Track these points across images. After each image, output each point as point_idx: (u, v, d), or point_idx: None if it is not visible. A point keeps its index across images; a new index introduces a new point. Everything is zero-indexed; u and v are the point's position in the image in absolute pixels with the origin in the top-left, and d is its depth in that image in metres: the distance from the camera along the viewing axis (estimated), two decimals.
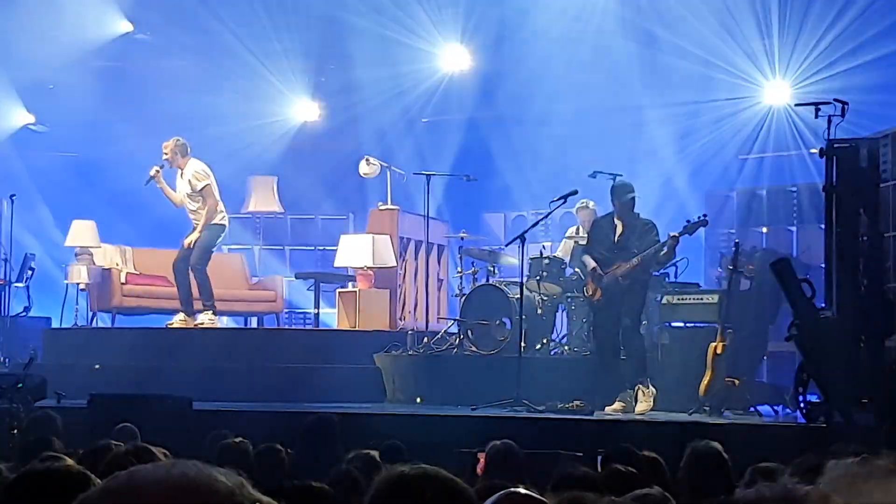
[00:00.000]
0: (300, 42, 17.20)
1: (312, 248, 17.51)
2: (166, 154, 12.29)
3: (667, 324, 11.13)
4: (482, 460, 6.10)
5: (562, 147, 15.47)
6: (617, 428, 9.29)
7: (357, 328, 12.56)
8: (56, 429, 7.00)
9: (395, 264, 12.94)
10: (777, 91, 15.24)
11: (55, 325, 14.04)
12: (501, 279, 12.23)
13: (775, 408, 10.34)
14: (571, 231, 12.77)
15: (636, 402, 10.04)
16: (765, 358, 11.50)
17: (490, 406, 9.94)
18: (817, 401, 8.69)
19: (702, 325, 10.87)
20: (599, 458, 6.26)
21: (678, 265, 11.24)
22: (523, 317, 10.72)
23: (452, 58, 17.14)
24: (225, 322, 14.95)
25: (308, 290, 14.16)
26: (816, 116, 9.06)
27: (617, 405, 10.09)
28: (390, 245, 12.86)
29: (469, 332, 11.60)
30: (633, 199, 10.27)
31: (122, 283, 13.43)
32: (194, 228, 12.40)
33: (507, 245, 12.43)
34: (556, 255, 12.32)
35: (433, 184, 12.69)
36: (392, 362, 11.66)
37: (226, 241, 16.79)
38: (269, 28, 17.07)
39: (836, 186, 8.93)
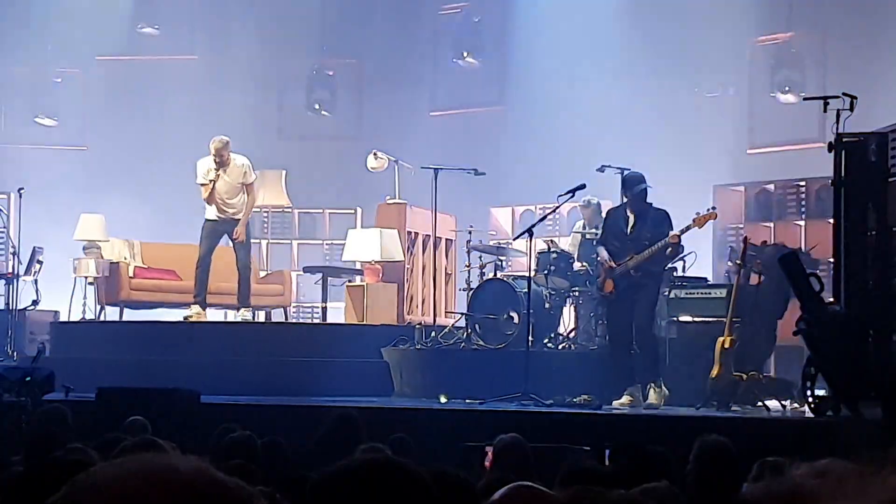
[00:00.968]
0: (308, 35, 17.20)
1: (320, 242, 17.51)
2: (222, 152, 12.34)
3: (674, 318, 11.11)
4: (490, 454, 6.11)
5: (570, 141, 15.44)
6: (624, 422, 9.29)
7: (365, 322, 12.56)
8: (65, 422, 7.02)
9: (402, 258, 12.94)
10: (786, 84, 15.19)
11: (63, 318, 14.06)
12: (509, 273, 12.22)
13: (783, 402, 10.32)
14: (579, 225, 12.76)
15: (646, 398, 10.04)
16: (773, 353, 11.48)
17: (498, 400, 9.94)
18: (825, 395, 8.68)
19: (710, 319, 10.85)
20: (607, 452, 6.26)
21: (686, 260, 11.23)
22: (531, 311, 10.72)
23: (460, 51, 17.12)
24: (232, 316, 14.97)
25: (316, 284, 14.16)
26: (825, 110, 9.04)
27: (625, 399, 10.09)
28: (398, 239, 12.86)
29: (477, 327, 11.60)
30: (645, 189, 10.25)
31: (131, 277, 13.44)
32: (232, 220, 12.49)
33: (514, 239, 12.43)
34: (564, 249, 12.31)
35: (441, 178, 12.68)
36: (400, 356, 11.66)
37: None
38: (277, 21, 17.07)
39: (845, 181, 8.91)
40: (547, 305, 11.55)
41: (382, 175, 13.69)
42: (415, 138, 16.14)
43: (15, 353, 13.26)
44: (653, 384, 10.06)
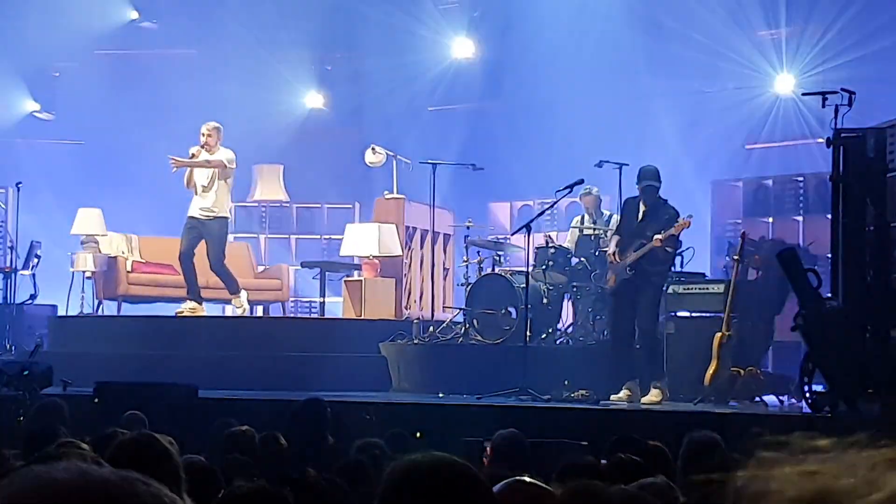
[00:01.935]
0: (307, 30, 17.19)
1: (318, 236, 17.51)
2: (208, 136, 12.22)
3: (672, 313, 11.11)
4: (489, 449, 6.11)
5: (568, 136, 15.45)
6: (622, 417, 9.29)
7: (363, 317, 12.56)
8: (63, 417, 7.01)
9: (400, 253, 12.94)
10: (784, 80, 15.22)
11: (61, 312, 14.06)
12: (507, 268, 12.22)
13: (781, 398, 10.33)
14: (577, 220, 12.75)
15: (646, 394, 10.03)
16: (770, 348, 11.49)
17: (495, 395, 9.94)
18: (823, 391, 8.68)
19: (707, 314, 10.85)
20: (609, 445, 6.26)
21: (684, 255, 11.23)
22: (529, 306, 10.72)
23: (459, 46, 17.13)
24: (230, 311, 14.97)
25: (314, 278, 14.16)
26: (823, 106, 9.03)
27: (623, 394, 10.09)
28: (396, 234, 12.85)
29: (475, 322, 11.60)
30: (652, 186, 10.19)
31: (128, 272, 13.44)
32: (207, 222, 12.28)
33: (512, 234, 12.43)
34: (562, 244, 12.31)
35: (439, 173, 12.67)
36: (398, 351, 11.66)
37: (231, 230, 16.83)
38: (276, 16, 17.06)
39: (843, 176, 8.91)
40: (545, 301, 11.54)
41: (380, 170, 13.69)
42: (413, 133, 16.14)
43: (13, 348, 13.27)
44: (655, 382, 10.04)
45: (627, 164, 11.15)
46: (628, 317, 10.26)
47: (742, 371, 10.12)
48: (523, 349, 10.41)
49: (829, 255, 9.30)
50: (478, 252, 12.45)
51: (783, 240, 12.38)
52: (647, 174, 10.27)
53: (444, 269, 13.85)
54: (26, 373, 9.16)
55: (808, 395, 8.70)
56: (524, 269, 10.99)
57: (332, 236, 16.58)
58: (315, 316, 14.95)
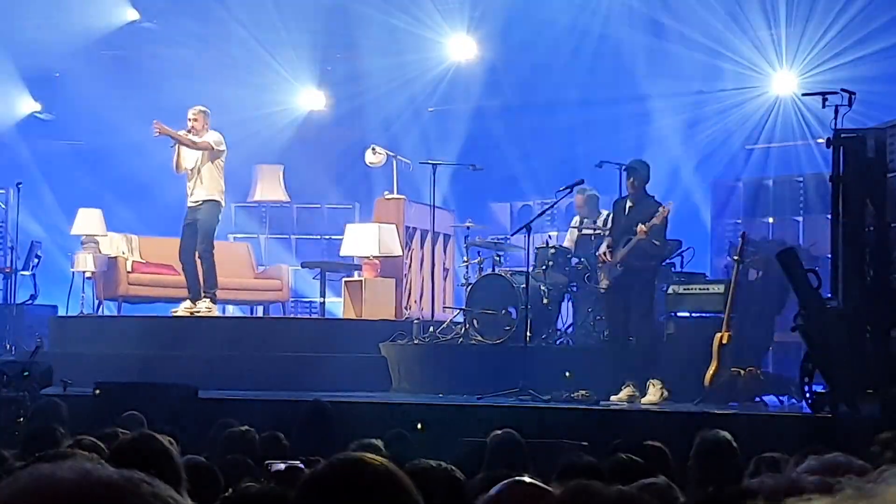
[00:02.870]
0: (306, 31, 17.18)
1: (318, 237, 17.50)
2: (195, 119, 12.19)
3: (672, 314, 11.12)
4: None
5: (568, 137, 15.46)
6: (622, 418, 9.29)
7: (363, 317, 12.56)
8: (61, 416, 7.01)
9: (400, 253, 12.93)
10: (784, 81, 15.22)
11: (61, 313, 14.06)
12: (507, 269, 12.22)
13: (781, 398, 10.33)
14: (576, 220, 12.75)
15: (645, 394, 10.03)
16: (770, 348, 11.49)
17: (495, 395, 9.94)
18: (823, 391, 8.69)
19: (708, 315, 10.85)
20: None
21: (684, 255, 11.24)
22: (529, 306, 10.72)
23: (459, 47, 17.13)
24: (231, 311, 14.97)
25: (314, 279, 14.17)
26: (823, 106, 9.03)
27: (623, 394, 10.09)
28: (396, 234, 12.85)
29: (475, 322, 11.60)
30: (640, 178, 10.19)
31: (129, 272, 13.43)
32: (194, 209, 12.18)
33: (512, 235, 12.43)
34: (561, 244, 12.32)
35: (439, 173, 12.68)
36: (398, 351, 11.66)
37: (231, 230, 16.84)
38: (276, 16, 17.05)
39: (843, 176, 8.91)
40: (545, 301, 11.54)
41: (381, 170, 13.69)
42: (413, 133, 16.14)
43: (13, 348, 13.27)
44: (652, 382, 10.04)
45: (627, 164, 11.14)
46: (622, 316, 10.27)
47: (742, 371, 10.12)
48: (523, 349, 10.42)
49: (829, 256, 9.30)
50: (478, 252, 12.45)
51: (783, 240, 12.39)
52: (639, 167, 10.29)
53: (445, 269, 13.85)
54: (27, 373, 9.16)
55: (808, 395, 8.70)
56: (524, 269, 10.99)
57: (333, 236, 16.58)
58: (315, 316, 14.95)
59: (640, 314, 10.19)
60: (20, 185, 14.52)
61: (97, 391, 8.78)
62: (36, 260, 14.28)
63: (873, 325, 8.67)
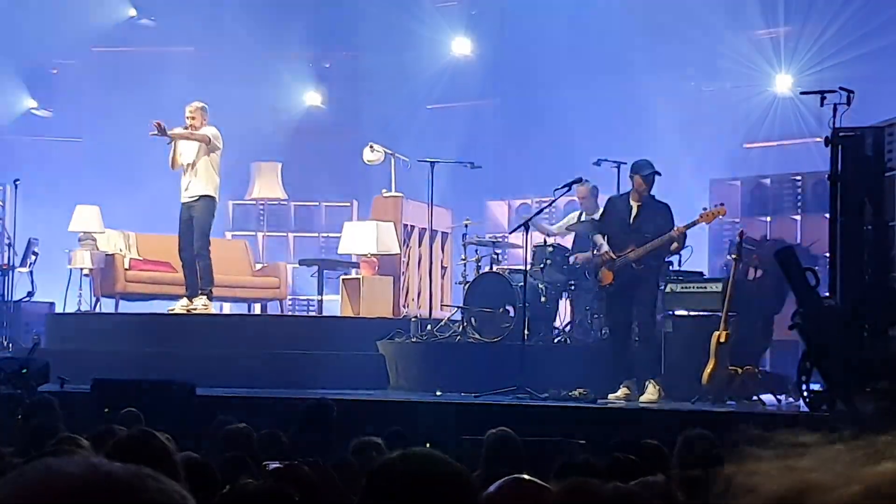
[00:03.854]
0: (305, 28, 17.18)
1: (316, 234, 17.50)
2: (192, 117, 12.16)
3: (670, 312, 11.11)
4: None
5: (566, 134, 15.44)
6: (620, 416, 9.29)
7: (360, 315, 12.56)
8: (55, 413, 7.00)
9: (398, 251, 12.93)
10: (783, 79, 15.22)
11: (59, 310, 14.06)
12: (505, 267, 12.22)
13: (778, 397, 10.33)
14: (573, 216, 12.73)
15: (643, 392, 10.03)
16: (768, 347, 11.48)
17: (493, 394, 9.94)
18: (820, 390, 8.69)
19: (706, 313, 10.85)
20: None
21: (682, 254, 11.23)
22: (527, 304, 10.71)
23: (457, 45, 17.12)
24: (228, 309, 14.96)
25: (311, 276, 14.16)
26: (822, 105, 9.04)
27: (620, 393, 10.08)
28: (394, 232, 12.85)
29: (472, 320, 11.60)
30: (652, 177, 10.17)
31: (126, 269, 13.43)
32: (189, 205, 12.16)
33: (511, 233, 12.43)
34: (559, 242, 12.31)
35: (437, 171, 12.67)
36: (395, 349, 11.66)
37: (229, 228, 16.84)
38: (274, 14, 17.05)
39: (842, 175, 8.92)
40: (543, 299, 11.54)
41: (379, 168, 13.67)
42: (411, 131, 16.13)
43: (10, 345, 13.26)
44: (651, 380, 10.04)
45: (625, 163, 11.13)
46: (626, 313, 10.25)
47: (740, 370, 10.12)
48: (521, 347, 10.41)
49: (828, 255, 9.30)
50: (476, 250, 12.45)
51: (782, 239, 12.39)
52: (646, 166, 10.23)
53: (442, 267, 13.84)
54: (24, 370, 9.15)
55: (805, 394, 8.71)
56: (522, 267, 10.98)
57: (330, 234, 16.57)
58: (313, 314, 14.94)
59: (647, 311, 10.18)
60: (18, 182, 14.50)
61: (94, 387, 8.77)
62: (33, 257, 14.27)
63: (871, 324, 8.67)
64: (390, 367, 11.58)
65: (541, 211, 11.75)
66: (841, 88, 8.96)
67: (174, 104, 12.69)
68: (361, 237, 12.83)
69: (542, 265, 11.60)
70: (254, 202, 17.44)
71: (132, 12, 17.49)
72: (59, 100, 17.64)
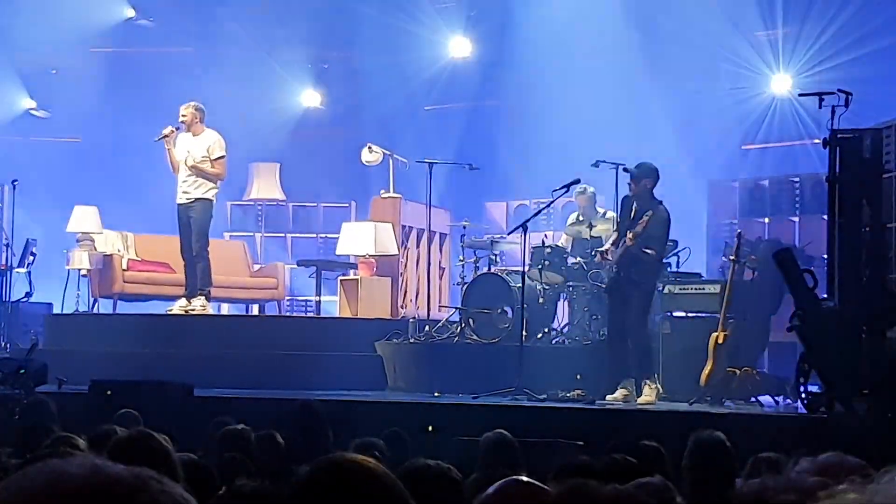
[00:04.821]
0: (303, 29, 17.17)
1: (314, 235, 17.50)
2: (185, 117, 12.17)
3: (668, 313, 11.12)
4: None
5: (564, 136, 15.43)
6: (618, 417, 9.29)
7: (358, 316, 12.55)
8: (50, 413, 7.00)
9: (396, 252, 12.93)
10: (781, 81, 15.22)
11: (56, 310, 14.05)
12: (503, 268, 12.22)
13: (776, 398, 10.33)
14: (572, 218, 12.74)
15: (640, 394, 10.02)
16: (766, 348, 11.49)
17: (491, 395, 9.94)
18: (818, 391, 8.69)
19: (703, 314, 10.85)
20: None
21: (680, 255, 11.23)
22: (525, 306, 10.71)
23: (456, 45, 17.12)
24: (226, 309, 14.96)
25: (309, 277, 14.16)
26: (820, 107, 9.04)
27: (618, 394, 10.07)
28: (392, 233, 12.85)
29: (470, 321, 11.60)
30: (648, 181, 10.14)
31: (124, 270, 13.43)
32: (187, 207, 12.18)
33: (509, 234, 12.43)
34: (558, 244, 12.31)
35: (436, 172, 12.66)
36: (393, 350, 11.66)
37: (227, 228, 16.83)
38: (272, 14, 17.04)
39: (840, 177, 8.92)
40: (541, 300, 11.54)
41: (377, 169, 13.68)
42: (409, 132, 16.13)
43: (8, 346, 13.25)
44: (647, 381, 10.03)
45: (624, 164, 11.12)
46: (620, 314, 10.24)
47: (738, 371, 10.12)
48: (519, 349, 10.41)
49: (825, 256, 9.31)
50: (474, 251, 12.45)
51: (779, 240, 12.39)
52: (647, 170, 10.22)
53: (441, 268, 13.85)
54: (22, 371, 9.15)
55: (803, 395, 8.71)
56: (520, 268, 10.99)
57: (329, 235, 16.57)
58: (311, 314, 14.94)
59: (634, 320, 10.11)
60: (16, 183, 14.49)
61: (92, 386, 8.77)
62: (31, 257, 14.25)
63: (869, 326, 8.68)
64: (388, 368, 11.58)
65: (539, 212, 11.74)
66: (839, 90, 8.96)
67: (173, 105, 12.69)
68: (360, 238, 12.83)
69: (540, 266, 11.60)
70: (252, 203, 17.44)
71: (131, 13, 17.48)
72: (57, 100, 17.62)
